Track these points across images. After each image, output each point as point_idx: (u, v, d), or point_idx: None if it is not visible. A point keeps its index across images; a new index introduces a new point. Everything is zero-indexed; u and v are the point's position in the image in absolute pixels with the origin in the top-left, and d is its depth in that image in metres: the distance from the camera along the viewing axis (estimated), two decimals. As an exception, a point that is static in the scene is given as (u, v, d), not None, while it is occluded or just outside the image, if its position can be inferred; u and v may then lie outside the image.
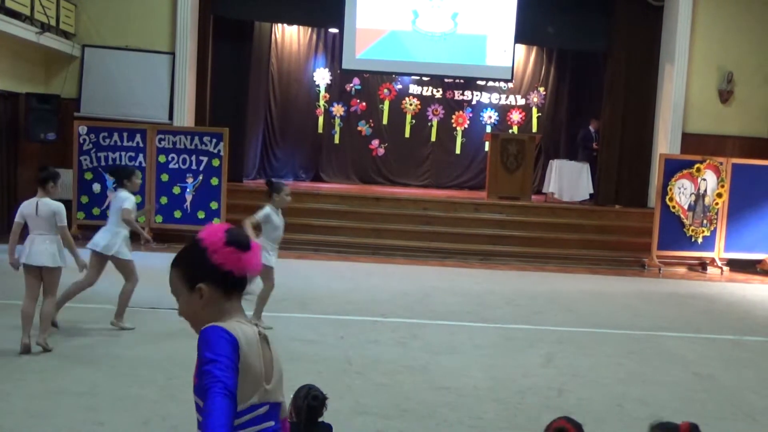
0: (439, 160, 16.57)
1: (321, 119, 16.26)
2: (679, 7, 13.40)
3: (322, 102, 16.24)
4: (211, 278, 2.06)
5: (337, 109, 16.27)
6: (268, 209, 6.97)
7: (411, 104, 16.41)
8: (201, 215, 11.75)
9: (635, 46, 13.99)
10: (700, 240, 12.29)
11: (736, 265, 12.57)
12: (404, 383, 5.63)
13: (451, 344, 6.87)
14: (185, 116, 12.91)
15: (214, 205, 11.78)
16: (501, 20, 14.50)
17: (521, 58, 16.13)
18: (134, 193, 6.95)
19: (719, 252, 12.48)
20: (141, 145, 11.72)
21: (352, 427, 4.68)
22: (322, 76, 16.21)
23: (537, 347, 6.89)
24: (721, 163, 12.32)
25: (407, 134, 16.49)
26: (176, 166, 11.76)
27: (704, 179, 12.27)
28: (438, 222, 12.74)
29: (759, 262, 12.67)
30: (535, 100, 16.57)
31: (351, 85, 16.27)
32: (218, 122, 12.84)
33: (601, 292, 10.02)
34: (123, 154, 11.69)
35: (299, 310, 7.86)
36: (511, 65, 14.73)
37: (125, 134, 11.75)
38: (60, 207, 5.98)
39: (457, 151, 16.60)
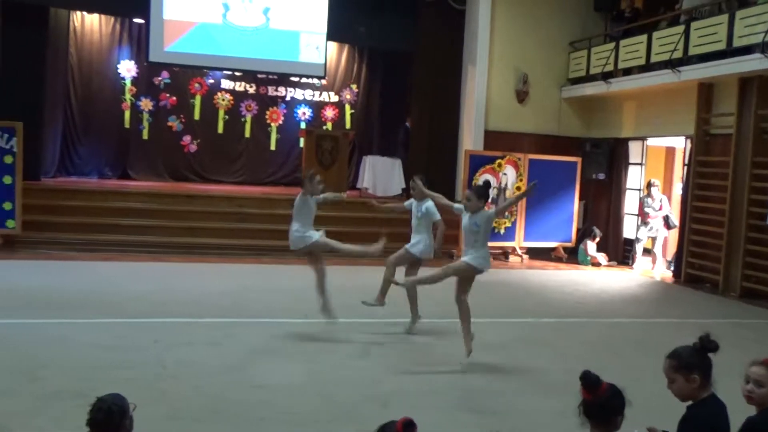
0: (253, 156, 16.36)
1: (127, 114, 15.45)
2: (479, 11, 14.21)
3: (128, 96, 15.44)
4: None
5: (145, 104, 15.55)
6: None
7: (223, 99, 16.06)
8: (-7, 217, 10.80)
9: (440, 48, 14.66)
10: (502, 231, 13.16)
11: (533, 253, 13.61)
12: (219, 384, 5.51)
13: (268, 342, 6.83)
14: (-30, 109, 11.76)
15: (8, 206, 10.86)
16: (313, 17, 14.61)
17: (334, 55, 16.33)
18: None
19: (519, 241, 13.45)
20: None
21: (166, 434, 4.51)
22: (127, 69, 15.40)
23: (353, 341, 7.02)
24: (519, 159, 13.27)
25: (220, 130, 16.12)
26: (-39, 163, 10.71)
27: (505, 174, 13.14)
28: (253, 219, 12.59)
29: (553, 249, 13.82)
30: (348, 97, 16.84)
31: (159, 78, 15.61)
32: (10, 115, 11.70)
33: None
34: None
35: (106, 315, 7.42)
36: (323, 62, 14.91)
37: None
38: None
39: (272, 148, 16.49)
